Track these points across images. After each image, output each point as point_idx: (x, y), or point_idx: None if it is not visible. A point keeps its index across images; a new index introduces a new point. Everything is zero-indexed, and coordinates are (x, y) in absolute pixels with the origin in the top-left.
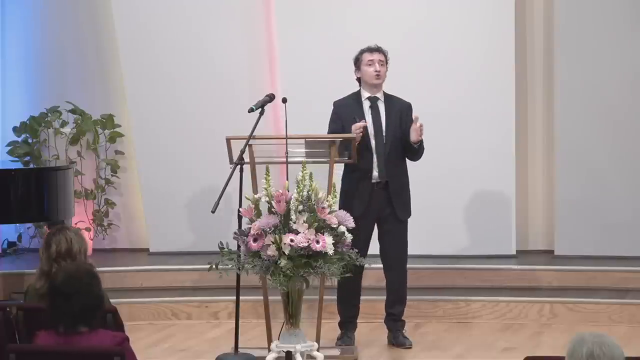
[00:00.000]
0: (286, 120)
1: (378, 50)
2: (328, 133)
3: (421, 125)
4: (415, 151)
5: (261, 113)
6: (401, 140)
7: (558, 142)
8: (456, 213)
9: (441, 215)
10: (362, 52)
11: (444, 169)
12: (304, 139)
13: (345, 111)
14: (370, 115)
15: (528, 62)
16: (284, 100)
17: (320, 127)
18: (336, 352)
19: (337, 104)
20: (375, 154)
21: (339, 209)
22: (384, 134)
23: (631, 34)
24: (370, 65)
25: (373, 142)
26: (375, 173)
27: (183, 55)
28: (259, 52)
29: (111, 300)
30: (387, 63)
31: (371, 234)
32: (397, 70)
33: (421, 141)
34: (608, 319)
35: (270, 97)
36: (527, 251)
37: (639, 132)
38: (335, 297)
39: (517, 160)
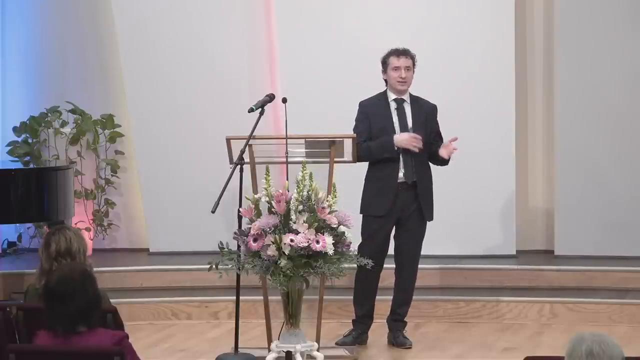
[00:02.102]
0: (286, 120)
1: (405, 54)
2: (356, 132)
3: (454, 149)
4: (441, 162)
5: (261, 113)
6: (427, 142)
7: (558, 142)
8: (456, 213)
9: (441, 215)
10: (389, 54)
11: (444, 169)
12: (304, 139)
13: (372, 110)
14: (396, 117)
15: (528, 62)
16: (284, 100)
17: (320, 127)
18: (336, 352)
19: (363, 104)
20: (402, 155)
21: (361, 209)
22: None
23: (631, 34)
24: (396, 70)
25: None
26: (401, 174)
27: (183, 55)
28: (259, 52)
29: (111, 300)
30: (414, 66)
31: (390, 233)
32: None
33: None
34: (608, 319)
35: (270, 97)
36: (527, 251)
37: (639, 132)
38: (335, 297)
39: (517, 160)
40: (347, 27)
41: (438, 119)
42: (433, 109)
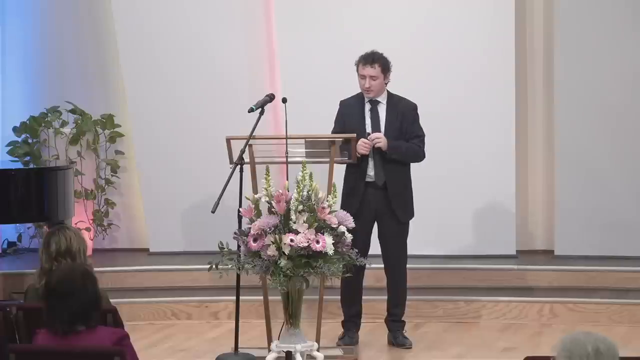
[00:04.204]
0: (286, 120)
1: (371, 63)
2: (332, 132)
3: (371, 141)
4: (406, 159)
5: (261, 113)
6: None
7: (558, 142)
8: (456, 213)
9: (441, 215)
10: (358, 60)
11: (444, 169)
12: (304, 139)
13: (348, 111)
14: (369, 118)
15: (528, 62)
16: (284, 100)
17: (320, 127)
18: (336, 352)
19: (342, 104)
20: (372, 155)
21: (341, 207)
22: None
23: (631, 34)
24: (362, 79)
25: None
26: (371, 173)
27: (183, 55)
28: (259, 52)
29: (111, 300)
30: (384, 72)
31: (370, 233)
32: (397, 70)
33: (395, 148)
34: (608, 319)
35: (270, 97)
36: (527, 251)
37: (639, 132)
38: (335, 297)
39: (517, 160)
40: (347, 28)
41: (439, 119)
42: (411, 109)
